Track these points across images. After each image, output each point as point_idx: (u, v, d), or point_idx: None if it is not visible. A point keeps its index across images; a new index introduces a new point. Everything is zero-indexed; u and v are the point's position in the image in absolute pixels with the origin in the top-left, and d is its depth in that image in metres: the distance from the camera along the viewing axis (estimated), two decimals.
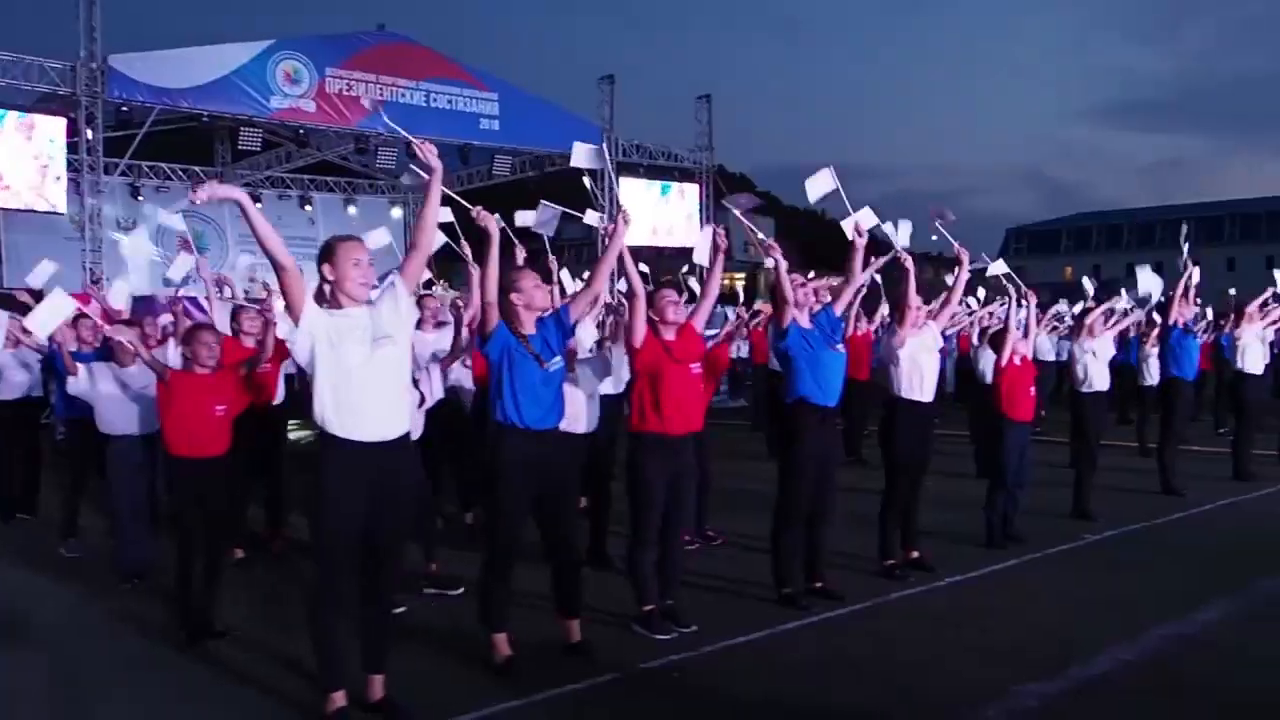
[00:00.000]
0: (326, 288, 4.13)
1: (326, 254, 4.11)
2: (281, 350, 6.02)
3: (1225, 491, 9.80)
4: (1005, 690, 4.64)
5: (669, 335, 5.50)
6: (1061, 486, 8.93)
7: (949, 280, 7.35)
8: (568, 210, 6.19)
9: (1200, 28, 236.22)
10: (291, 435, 8.77)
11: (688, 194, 26.78)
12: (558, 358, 4.97)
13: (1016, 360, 7.61)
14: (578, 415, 6.36)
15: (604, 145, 4.62)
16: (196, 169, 24.25)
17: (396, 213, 27.26)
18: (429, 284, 10.36)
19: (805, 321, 5.97)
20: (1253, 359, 10.95)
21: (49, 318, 5.67)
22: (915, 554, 6.81)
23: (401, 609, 5.28)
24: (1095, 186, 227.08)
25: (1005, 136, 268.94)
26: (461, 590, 6.19)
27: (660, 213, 26.33)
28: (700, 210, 27.15)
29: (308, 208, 26.05)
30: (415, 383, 6.32)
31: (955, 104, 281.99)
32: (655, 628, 5.39)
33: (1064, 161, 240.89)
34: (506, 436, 4.86)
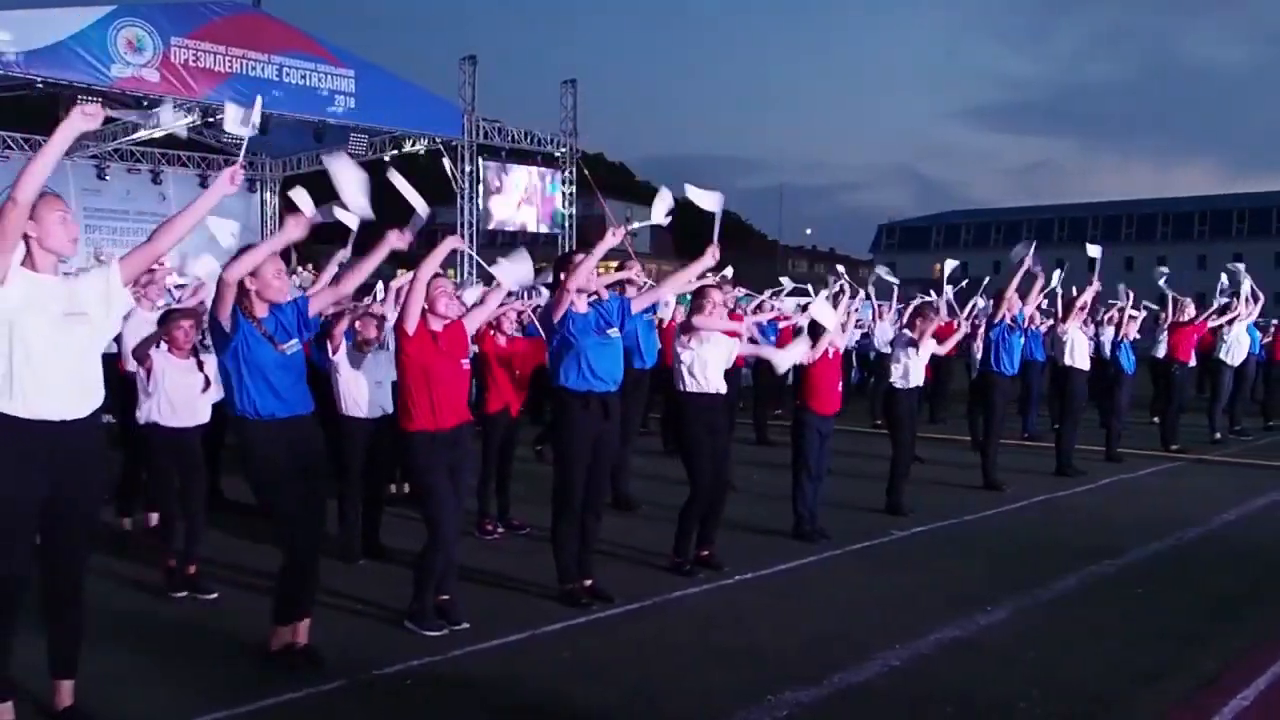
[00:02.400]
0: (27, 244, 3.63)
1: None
2: None
3: (1045, 487, 9.87)
4: (761, 697, 4.40)
5: (437, 327, 5.20)
6: (882, 480, 8.80)
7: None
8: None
9: (1068, 36, 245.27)
10: None
11: (551, 179, 26.50)
12: (294, 340, 4.61)
13: (829, 354, 7.54)
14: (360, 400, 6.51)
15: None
16: (39, 139, 22.89)
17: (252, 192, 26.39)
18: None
19: (582, 307, 5.74)
20: (1079, 354, 11.09)
21: None
22: (705, 552, 6.60)
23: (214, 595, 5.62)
24: (967, 185, 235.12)
25: (881, 134, 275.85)
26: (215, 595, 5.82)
27: (528, 196, 26.06)
28: (563, 198, 26.90)
29: (159, 183, 25.01)
30: (200, 365, 5.90)
31: (833, 101, 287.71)
32: (429, 625, 5.13)
33: (937, 160, 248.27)
34: (249, 429, 4.49)
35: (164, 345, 5.82)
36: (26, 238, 3.58)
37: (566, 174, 26.86)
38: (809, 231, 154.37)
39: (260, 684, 4.41)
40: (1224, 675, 4.88)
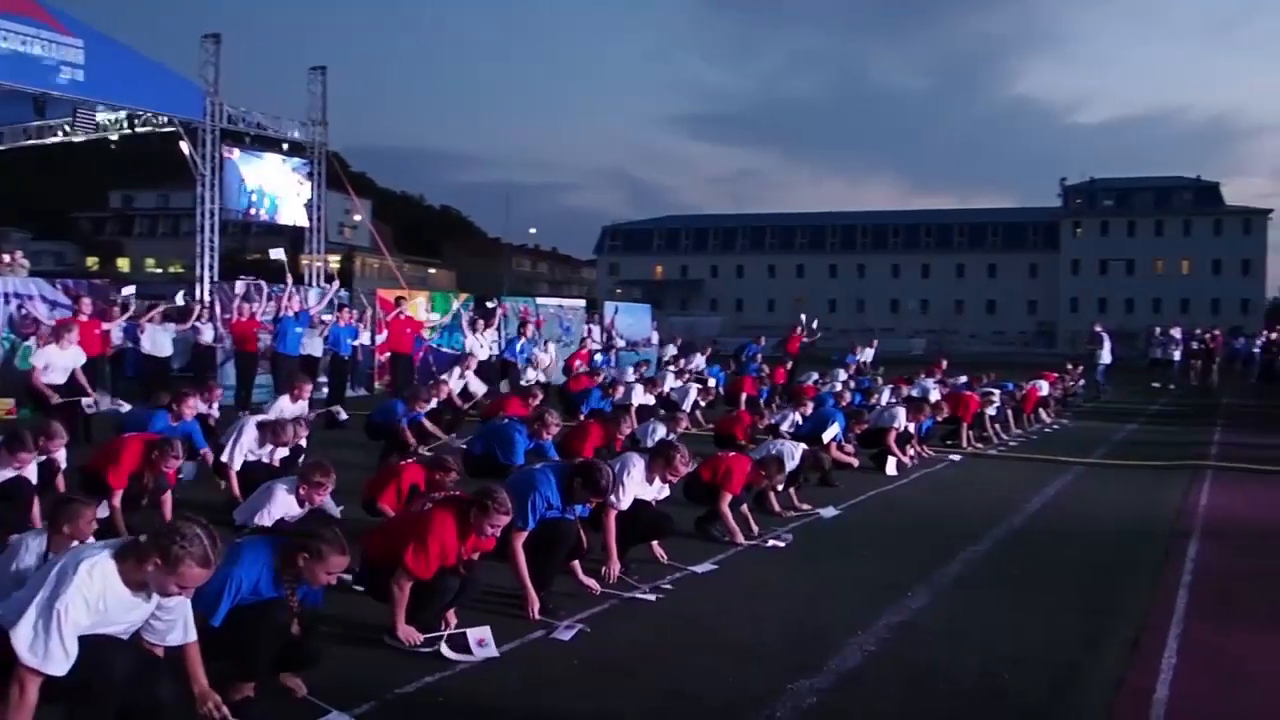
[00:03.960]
0: None
1: None
2: None
3: (868, 484, 10.36)
4: (780, 686, 4.51)
5: None
6: None
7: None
8: None
9: (768, 55, 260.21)
10: None
11: (298, 168, 25.11)
12: None
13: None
14: None
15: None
16: None
17: None
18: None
19: None
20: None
21: None
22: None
23: None
24: (677, 190, 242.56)
25: (598, 137, 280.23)
26: None
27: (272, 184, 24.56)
28: (314, 187, 25.63)
29: None
30: None
31: (555, 103, 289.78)
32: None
33: (649, 165, 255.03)
34: None
35: None
36: None
37: (314, 164, 25.54)
38: (533, 231, 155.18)
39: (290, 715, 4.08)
40: (1143, 638, 5.47)
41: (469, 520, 4.86)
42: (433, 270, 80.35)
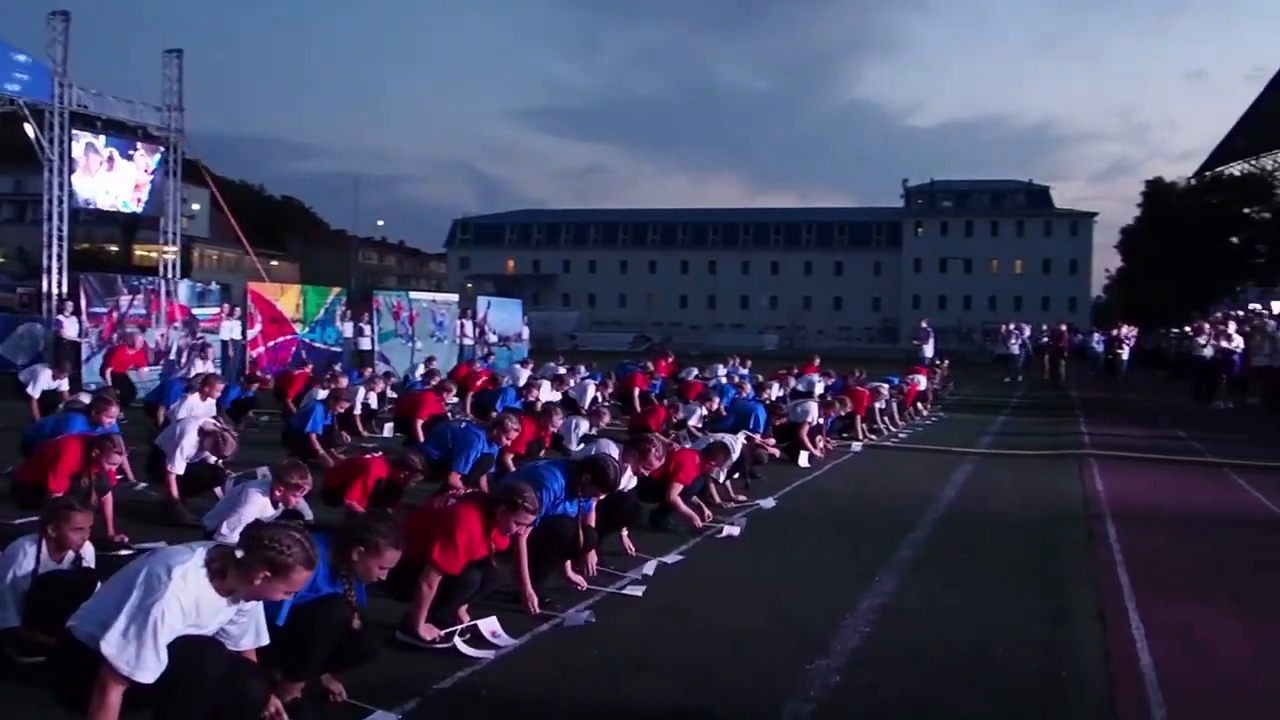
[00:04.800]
0: None
1: None
2: None
3: (791, 474, 10.61)
4: (802, 669, 4.66)
5: None
6: None
7: None
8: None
9: (612, 50, 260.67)
10: None
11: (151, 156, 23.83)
12: None
13: None
14: None
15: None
16: None
17: None
18: None
19: None
20: None
21: None
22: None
23: None
24: (523, 184, 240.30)
25: (443, 129, 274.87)
26: None
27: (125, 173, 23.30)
28: (169, 175, 24.48)
29: None
30: None
31: (397, 93, 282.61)
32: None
33: (495, 158, 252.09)
34: None
35: None
36: None
37: (169, 151, 24.36)
38: (381, 223, 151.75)
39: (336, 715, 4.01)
40: (1105, 612, 5.84)
41: (494, 517, 4.82)
42: (275, 263, 77.72)
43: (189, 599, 3.18)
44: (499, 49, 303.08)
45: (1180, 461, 12.71)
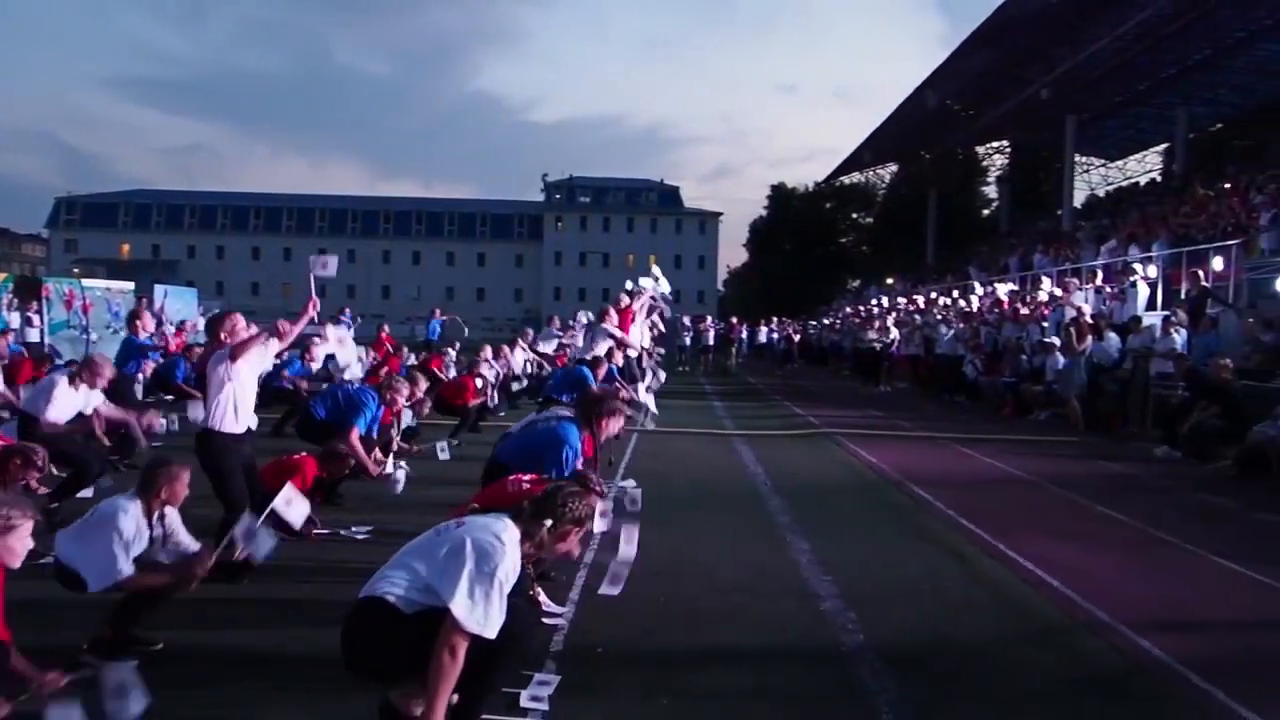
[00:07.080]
0: None
1: None
2: None
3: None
4: (820, 614, 5.49)
5: None
6: None
7: None
8: None
9: (222, 20, 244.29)
10: None
11: None
12: None
13: None
14: None
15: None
16: None
17: None
18: None
19: None
20: None
21: None
22: None
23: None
24: (117, 160, 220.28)
25: (17, 93, 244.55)
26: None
27: None
28: None
29: None
30: None
31: None
32: None
33: (82, 130, 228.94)
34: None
35: None
36: None
37: None
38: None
39: None
40: (989, 550, 7.13)
41: None
42: None
43: (514, 562, 3.60)
44: (92, 8, 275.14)
45: (908, 437, 14.50)
